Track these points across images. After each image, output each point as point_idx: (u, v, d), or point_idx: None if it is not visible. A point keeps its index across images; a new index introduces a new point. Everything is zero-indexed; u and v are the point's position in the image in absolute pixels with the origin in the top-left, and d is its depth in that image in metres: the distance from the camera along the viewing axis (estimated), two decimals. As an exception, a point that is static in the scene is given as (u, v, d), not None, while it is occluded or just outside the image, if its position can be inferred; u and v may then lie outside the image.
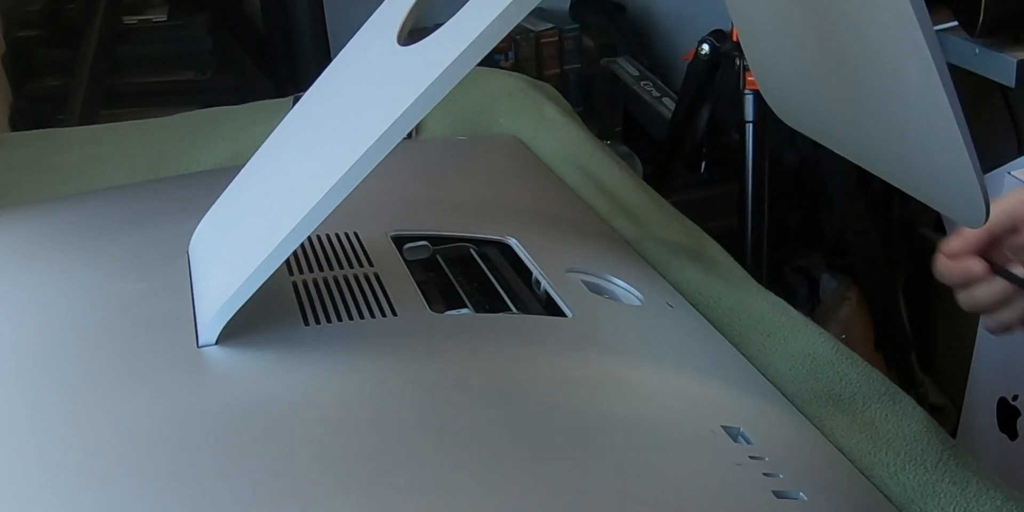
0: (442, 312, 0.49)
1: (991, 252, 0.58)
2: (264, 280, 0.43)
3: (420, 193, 0.62)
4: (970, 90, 1.27)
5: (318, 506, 0.36)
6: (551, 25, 1.74)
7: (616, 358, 0.48)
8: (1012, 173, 0.71)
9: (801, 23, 0.52)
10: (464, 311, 0.50)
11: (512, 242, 0.57)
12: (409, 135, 0.42)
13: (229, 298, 0.43)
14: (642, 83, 1.58)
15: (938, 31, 1.05)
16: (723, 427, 0.43)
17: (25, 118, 1.71)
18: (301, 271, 0.50)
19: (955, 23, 1.10)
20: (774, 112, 0.63)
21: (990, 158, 0.98)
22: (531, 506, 0.37)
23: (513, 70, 0.98)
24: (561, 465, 0.39)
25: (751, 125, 1.27)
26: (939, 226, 1.44)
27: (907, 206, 1.52)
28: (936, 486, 0.44)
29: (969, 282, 0.59)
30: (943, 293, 1.56)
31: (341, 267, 0.50)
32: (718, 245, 0.67)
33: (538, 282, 0.53)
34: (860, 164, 0.56)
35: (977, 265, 0.57)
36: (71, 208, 0.64)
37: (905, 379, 1.48)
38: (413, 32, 0.48)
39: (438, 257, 0.55)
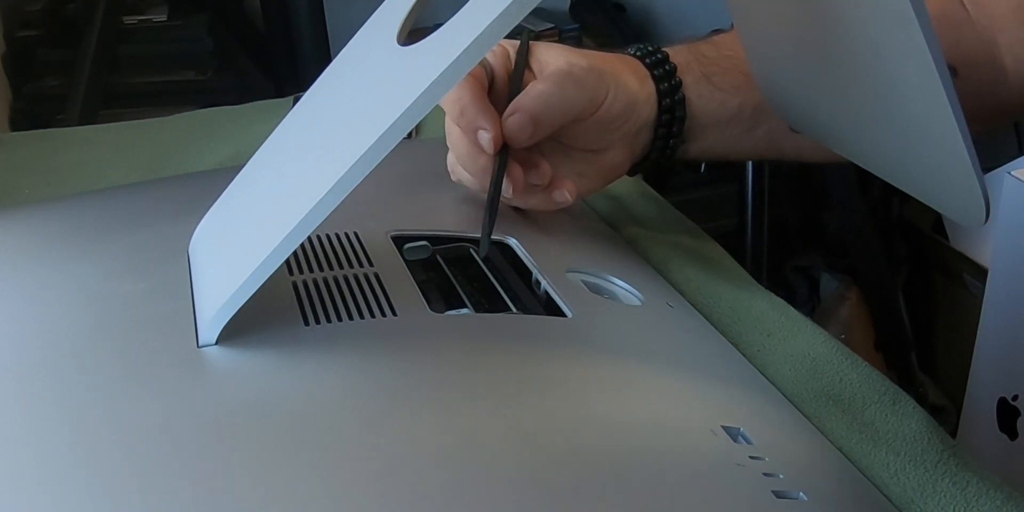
0: (442, 312, 0.49)
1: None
2: (264, 280, 0.43)
3: (420, 193, 0.62)
4: (970, 90, 1.26)
5: (318, 507, 0.36)
6: (551, 25, 1.74)
7: (616, 358, 0.48)
8: (1012, 173, 0.71)
9: (801, 23, 0.52)
10: (464, 311, 0.50)
11: (512, 242, 0.57)
12: (409, 135, 0.42)
13: (229, 298, 0.43)
14: (642, 83, 1.58)
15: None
16: (723, 427, 0.43)
17: (25, 118, 1.71)
18: (301, 271, 0.50)
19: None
20: (774, 112, 0.63)
21: (990, 158, 0.98)
22: (530, 504, 0.37)
23: (513, 70, 0.98)
24: (561, 464, 0.39)
25: (751, 125, 1.27)
26: (939, 226, 1.44)
27: (907, 206, 1.52)
28: (936, 486, 0.44)
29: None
30: (943, 293, 1.56)
31: (341, 267, 0.50)
32: (718, 245, 0.67)
33: (538, 282, 0.53)
34: (860, 164, 0.56)
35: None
36: (71, 208, 0.64)
37: (905, 379, 1.48)
38: (413, 32, 0.48)
39: (438, 257, 0.55)
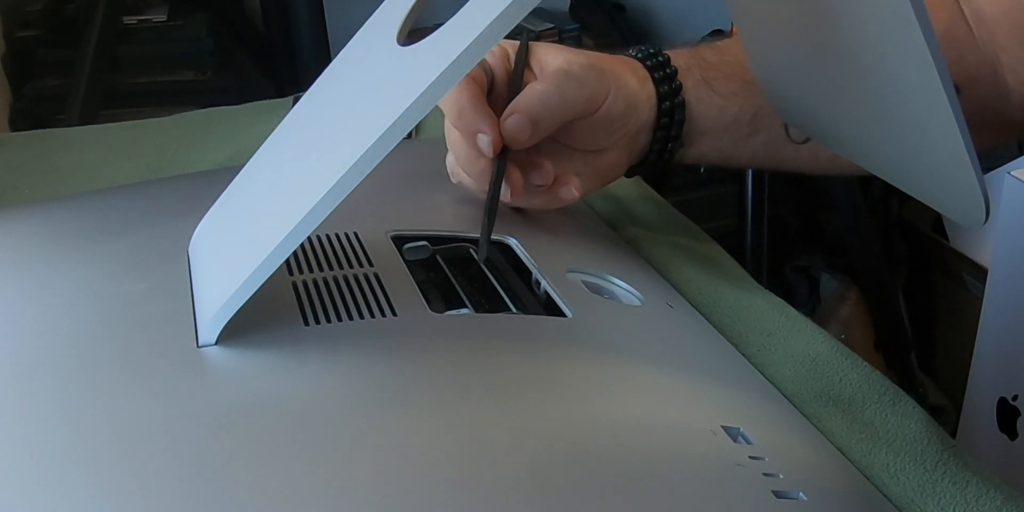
0: (442, 312, 0.49)
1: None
2: (264, 280, 0.43)
3: (420, 193, 0.62)
4: (970, 90, 1.26)
5: (319, 506, 0.36)
6: (551, 25, 1.75)
7: (616, 358, 0.48)
8: (1012, 173, 0.71)
9: (801, 23, 0.52)
10: (464, 311, 0.50)
11: (512, 242, 0.57)
12: (409, 135, 0.42)
13: (229, 298, 0.43)
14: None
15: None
16: (723, 427, 0.43)
17: (25, 118, 1.71)
18: (301, 271, 0.50)
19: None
20: (774, 111, 0.63)
21: (990, 158, 0.98)
22: (530, 504, 0.37)
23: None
24: (560, 464, 0.39)
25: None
26: (939, 226, 1.44)
27: (907, 206, 1.52)
28: (936, 486, 0.44)
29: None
30: (943, 293, 1.56)
31: (341, 267, 0.50)
32: (718, 245, 0.68)
33: (538, 282, 0.53)
34: (859, 164, 0.56)
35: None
36: (71, 208, 0.64)
37: (905, 379, 1.48)
38: (413, 32, 0.48)
39: (438, 257, 0.55)
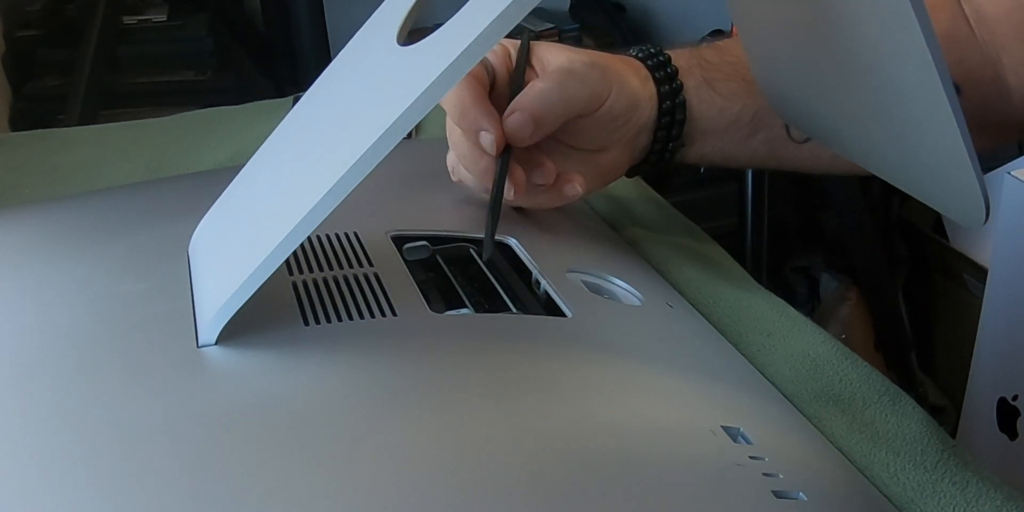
0: (442, 312, 0.49)
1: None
2: (264, 280, 0.43)
3: (420, 193, 0.62)
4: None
5: (318, 506, 0.36)
6: (551, 25, 1.75)
7: (616, 358, 0.48)
8: (1012, 173, 0.71)
9: (801, 23, 0.52)
10: (464, 311, 0.50)
11: (512, 242, 0.57)
12: (409, 135, 0.42)
13: (229, 298, 0.43)
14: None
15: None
16: (723, 427, 0.43)
17: (25, 118, 1.71)
18: (301, 271, 0.50)
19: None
20: (774, 111, 0.63)
21: (990, 158, 0.98)
22: (530, 504, 0.37)
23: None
24: (560, 465, 0.39)
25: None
26: (939, 226, 1.44)
27: (907, 206, 1.52)
28: (936, 486, 0.44)
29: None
30: (943, 293, 1.56)
31: (341, 267, 0.50)
32: (718, 245, 0.68)
33: (538, 282, 0.53)
34: (859, 164, 0.56)
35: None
36: (71, 208, 0.64)
37: (905, 379, 1.48)
38: (413, 32, 0.48)
39: (438, 257, 0.55)
